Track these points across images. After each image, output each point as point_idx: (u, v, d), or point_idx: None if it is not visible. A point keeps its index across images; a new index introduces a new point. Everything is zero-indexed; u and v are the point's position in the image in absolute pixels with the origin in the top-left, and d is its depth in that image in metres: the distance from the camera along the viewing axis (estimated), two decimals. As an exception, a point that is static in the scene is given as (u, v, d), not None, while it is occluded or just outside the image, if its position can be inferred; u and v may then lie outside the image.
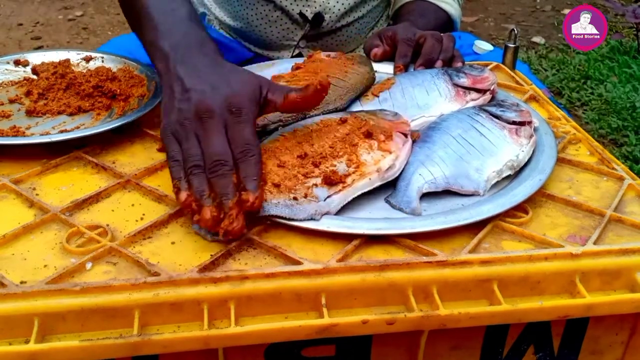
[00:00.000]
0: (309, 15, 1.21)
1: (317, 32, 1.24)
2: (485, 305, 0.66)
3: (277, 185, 0.70)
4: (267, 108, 0.74)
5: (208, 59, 0.77)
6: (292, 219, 0.69)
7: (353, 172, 0.73)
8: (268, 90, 0.74)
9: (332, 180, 0.71)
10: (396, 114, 0.83)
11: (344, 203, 0.72)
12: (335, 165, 0.73)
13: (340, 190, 0.71)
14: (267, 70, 1.02)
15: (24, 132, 0.85)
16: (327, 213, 0.70)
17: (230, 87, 0.72)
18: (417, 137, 0.82)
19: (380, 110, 0.85)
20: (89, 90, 0.92)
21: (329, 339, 0.64)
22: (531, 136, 0.83)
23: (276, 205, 0.69)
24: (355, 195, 0.73)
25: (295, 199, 0.69)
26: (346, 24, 1.25)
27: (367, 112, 0.84)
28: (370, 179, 0.73)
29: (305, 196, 0.70)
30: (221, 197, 0.66)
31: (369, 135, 0.77)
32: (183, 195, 0.67)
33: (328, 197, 0.71)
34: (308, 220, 0.69)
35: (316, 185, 0.71)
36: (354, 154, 0.75)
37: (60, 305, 0.60)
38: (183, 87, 0.73)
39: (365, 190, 0.73)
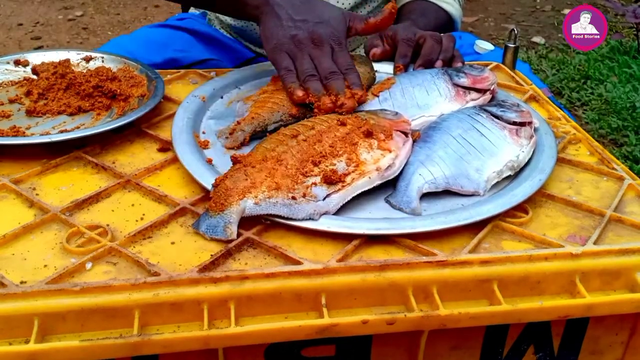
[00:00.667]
0: None
1: None
2: (485, 305, 0.66)
3: (276, 184, 0.70)
4: (350, 33, 0.93)
5: None
6: (291, 219, 0.69)
7: (352, 171, 0.73)
8: (350, 19, 0.92)
9: (331, 180, 0.71)
10: (397, 113, 0.83)
11: (343, 202, 0.72)
12: (334, 165, 0.73)
13: (339, 190, 0.71)
14: (267, 70, 1.02)
15: (24, 132, 0.85)
16: (326, 212, 0.70)
17: (330, 21, 0.91)
18: (417, 137, 0.82)
19: (381, 109, 0.85)
20: (89, 90, 0.92)
21: (329, 339, 0.64)
22: (531, 137, 0.83)
23: (274, 204, 0.69)
24: (355, 194, 0.73)
25: (293, 198, 0.69)
26: None
27: (367, 111, 0.84)
28: (369, 177, 0.73)
29: (304, 195, 0.70)
30: (337, 91, 0.85)
31: (368, 134, 0.77)
32: (300, 92, 0.86)
33: (327, 196, 0.71)
34: (307, 220, 0.69)
35: (315, 184, 0.71)
36: (354, 153, 0.75)
37: (60, 305, 0.60)
38: (291, 17, 0.90)
39: (365, 189, 0.73)
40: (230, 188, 0.70)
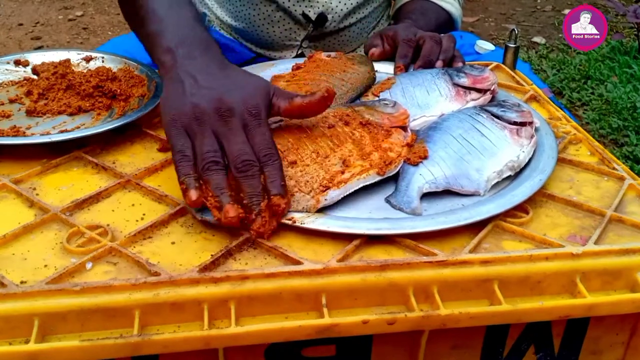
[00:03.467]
0: (312, 16, 1.21)
1: (320, 33, 1.24)
2: (485, 305, 0.66)
3: None
4: (272, 111, 0.74)
5: (216, 60, 0.77)
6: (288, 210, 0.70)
7: (352, 167, 0.73)
8: (274, 94, 0.74)
9: (331, 180, 0.72)
10: (395, 103, 0.83)
11: (340, 197, 0.72)
12: (335, 164, 0.73)
13: (337, 185, 0.72)
14: (267, 70, 1.02)
15: (24, 132, 0.85)
16: (323, 206, 0.70)
17: (246, 89, 0.72)
18: (414, 139, 0.81)
19: (379, 100, 0.85)
20: (89, 90, 0.92)
21: (330, 339, 0.64)
22: (532, 137, 0.83)
23: None
24: (352, 190, 0.73)
25: (298, 191, 0.70)
26: (349, 25, 1.26)
27: (365, 105, 0.84)
28: (368, 174, 0.74)
29: (302, 190, 0.70)
30: (251, 198, 0.66)
31: (368, 131, 0.77)
32: (194, 194, 0.65)
33: (326, 190, 0.71)
34: (304, 212, 0.70)
35: (314, 180, 0.71)
36: (353, 150, 0.75)
37: (60, 305, 0.59)
38: (197, 83, 0.72)
39: (361, 185, 0.73)
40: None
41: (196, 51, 0.77)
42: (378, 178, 0.74)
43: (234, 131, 0.68)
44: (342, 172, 0.73)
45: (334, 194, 0.71)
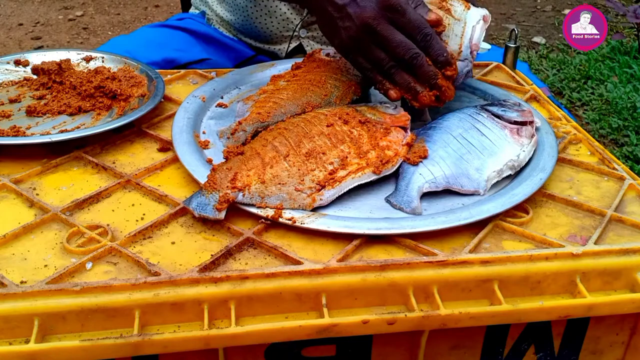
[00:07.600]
0: None
1: (315, 19, 1.24)
2: (485, 305, 0.66)
3: (271, 177, 0.71)
4: None
5: None
6: (285, 208, 0.70)
7: (348, 165, 0.73)
8: None
9: (327, 179, 0.72)
10: (396, 107, 0.83)
11: (335, 197, 0.72)
12: (332, 162, 0.73)
13: (333, 183, 0.72)
14: (267, 71, 1.02)
15: (24, 132, 0.85)
16: (319, 204, 0.71)
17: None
18: (413, 139, 0.81)
19: (381, 102, 0.85)
20: (90, 90, 0.92)
21: (330, 338, 0.64)
22: (532, 136, 0.83)
23: (268, 196, 0.70)
24: (349, 187, 0.73)
25: (295, 189, 0.70)
26: None
27: (367, 105, 0.84)
28: (365, 172, 0.74)
29: (298, 189, 0.70)
30: (429, 80, 0.80)
31: (368, 129, 0.77)
32: (394, 93, 0.82)
33: (321, 188, 0.71)
34: (300, 209, 0.70)
35: (311, 179, 0.72)
36: (352, 148, 0.75)
37: (60, 305, 0.59)
38: (336, 6, 0.81)
39: (356, 184, 0.74)
40: (227, 170, 0.72)
41: None
42: (374, 177, 0.74)
43: (387, 33, 0.79)
44: (338, 170, 0.73)
45: (329, 194, 0.71)
